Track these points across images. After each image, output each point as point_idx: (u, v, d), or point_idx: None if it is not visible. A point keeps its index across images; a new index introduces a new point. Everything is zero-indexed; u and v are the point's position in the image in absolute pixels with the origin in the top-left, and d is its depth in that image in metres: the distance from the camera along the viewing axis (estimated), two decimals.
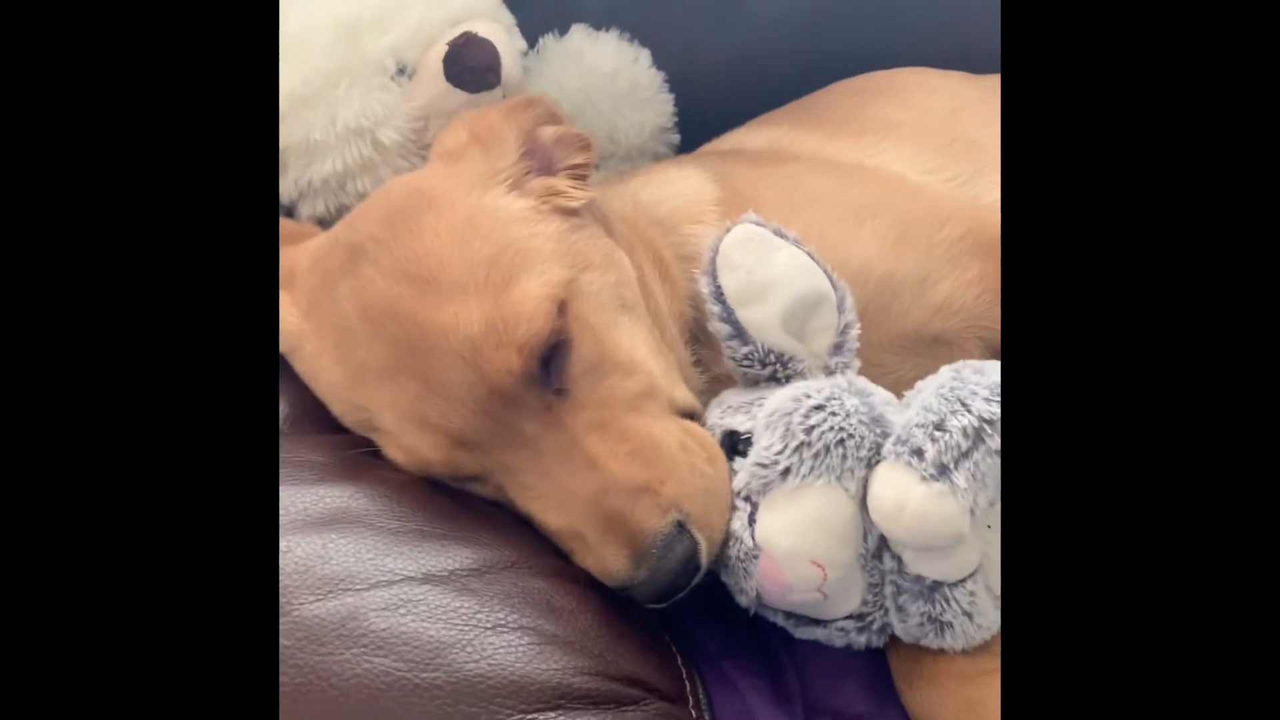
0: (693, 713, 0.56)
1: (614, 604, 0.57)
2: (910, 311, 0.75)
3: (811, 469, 0.59)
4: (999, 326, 0.75)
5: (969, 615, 0.60)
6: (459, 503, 0.60)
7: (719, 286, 0.65)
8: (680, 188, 0.80)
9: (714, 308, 0.65)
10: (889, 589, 0.61)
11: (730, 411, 0.65)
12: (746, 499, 0.60)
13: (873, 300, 0.73)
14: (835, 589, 0.60)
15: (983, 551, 0.60)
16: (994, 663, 0.62)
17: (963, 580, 0.60)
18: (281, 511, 0.54)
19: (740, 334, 0.65)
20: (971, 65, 0.99)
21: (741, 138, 0.93)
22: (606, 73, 0.95)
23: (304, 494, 0.56)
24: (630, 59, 0.98)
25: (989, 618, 0.61)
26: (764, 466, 0.60)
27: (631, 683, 0.52)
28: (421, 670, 0.48)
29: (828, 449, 0.59)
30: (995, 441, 0.57)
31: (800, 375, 0.65)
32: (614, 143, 0.96)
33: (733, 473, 0.62)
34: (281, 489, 0.56)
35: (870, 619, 0.62)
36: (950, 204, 0.80)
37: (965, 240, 0.76)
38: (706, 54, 1.03)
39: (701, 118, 1.00)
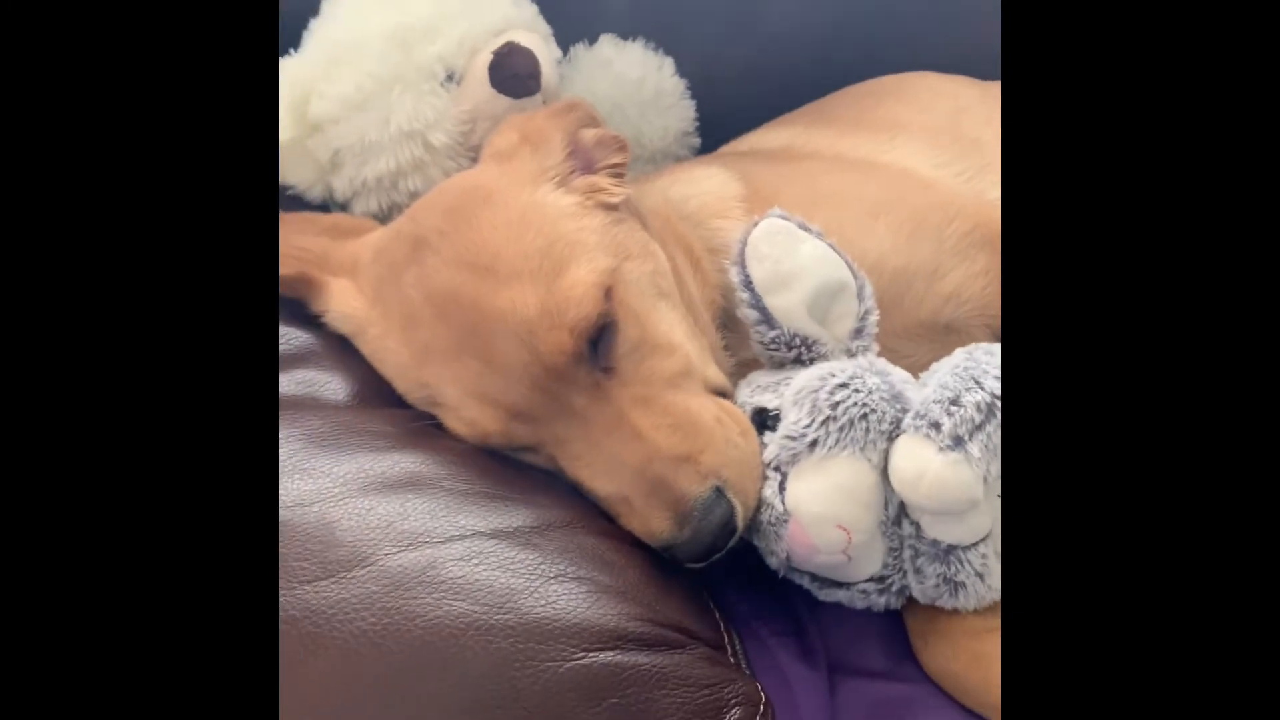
0: (731, 660, 0.61)
1: (658, 562, 0.63)
2: (923, 301, 0.80)
3: (837, 441, 0.65)
4: (993, 311, 0.81)
5: (981, 576, 0.66)
6: (517, 470, 0.66)
7: (748, 276, 0.70)
8: (706, 185, 0.86)
9: (743, 295, 0.71)
10: (907, 553, 0.67)
11: (759, 390, 0.71)
12: (777, 469, 0.66)
13: (888, 290, 0.78)
14: (858, 552, 0.66)
15: (994, 518, 0.65)
16: (997, 619, 0.68)
17: (975, 544, 0.65)
18: (362, 474, 0.60)
19: (768, 319, 0.70)
20: (974, 72, 1.05)
21: (759, 139, 0.99)
22: (633, 80, 1.01)
23: (380, 460, 0.62)
24: (655, 67, 1.03)
25: (999, 579, 0.67)
26: (793, 439, 0.65)
27: (678, 629, 0.58)
28: (495, 613, 0.53)
29: (851, 423, 0.65)
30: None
31: (823, 358, 0.71)
32: (640, 146, 1.02)
33: (763, 446, 0.67)
34: (359, 455, 0.62)
35: (890, 581, 0.68)
36: (958, 200, 0.85)
37: (973, 234, 0.82)
38: (725, 62, 1.08)
39: (721, 122, 1.06)
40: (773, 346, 0.71)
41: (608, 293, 0.65)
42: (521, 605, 0.54)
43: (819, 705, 0.68)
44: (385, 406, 0.69)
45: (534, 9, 0.96)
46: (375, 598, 0.53)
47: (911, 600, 0.70)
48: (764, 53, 1.09)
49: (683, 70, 1.06)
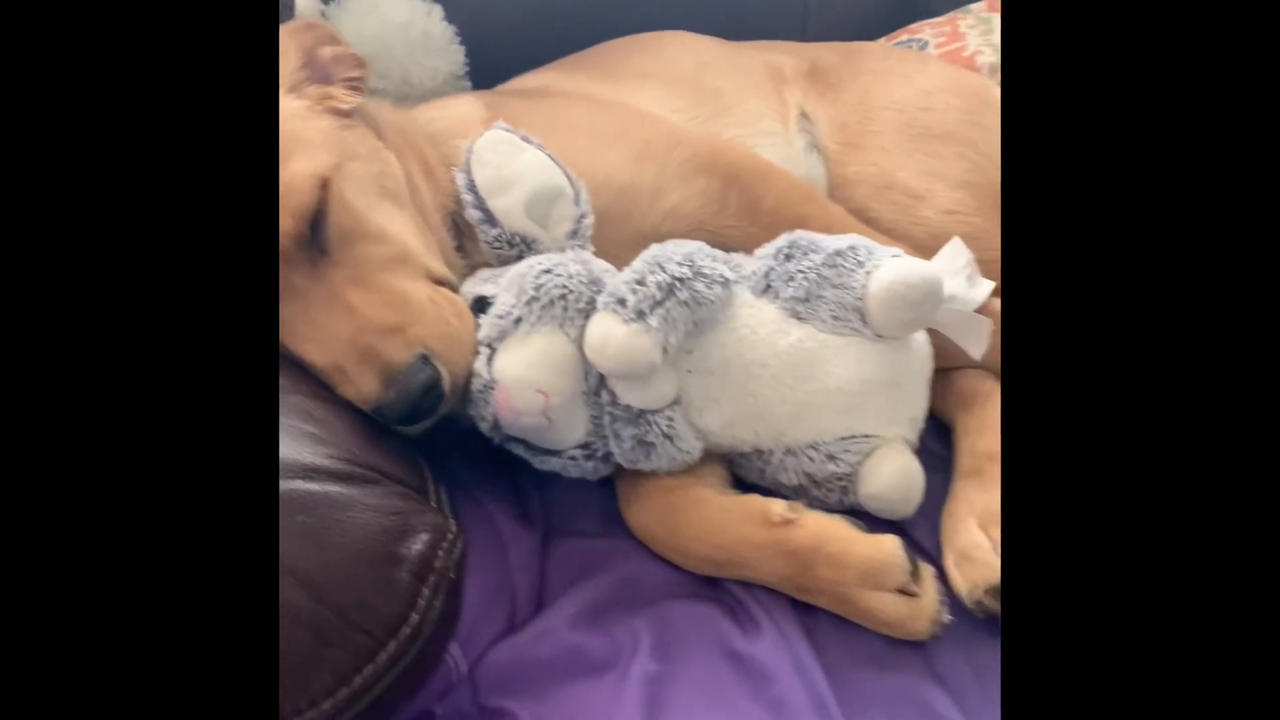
0: (432, 503, 0.68)
1: (371, 424, 0.70)
2: (646, 216, 0.89)
3: (539, 318, 0.73)
4: (717, 230, 0.90)
5: (669, 438, 0.74)
6: None
7: (472, 180, 0.78)
8: (454, 110, 0.93)
9: (468, 197, 0.78)
10: (606, 419, 0.75)
11: (480, 281, 0.79)
12: (489, 346, 0.74)
13: (614, 206, 0.87)
14: (558, 415, 0.73)
15: (678, 389, 0.74)
16: (691, 478, 0.77)
17: (663, 409, 0.74)
18: None
19: (490, 219, 0.78)
20: (729, 34, 1.16)
21: (519, 81, 1.08)
22: (400, 23, 1.08)
23: None
24: (424, 13, 1.10)
25: (688, 444, 0.76)
26: (500, 317, 0.73)
27: (376, 470, 0.65)
28: None
29: (552, 302, 0.73)
30: (684, 294, 0.72)
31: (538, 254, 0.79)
32: (409, 85, 1.08)
33: (479, 327, 0.75)
34: None
35: (595, 448, 0.76)
36: (683, 132, 0.95)
37: (694, 160, 0.91)
38: (496, 11, 1.16)
39: (493, 69, 1.13)
40: (496, 245, 0.79)
41: (325, 183, 0.72)
42: None
43: (529, 555, 0.76)
44: None
45: None
46: None
47: (620, 470, 0.78)
48: (536, 2, 1.17)
49: (453, 17, 1.13)
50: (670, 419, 0.74)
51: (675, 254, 0.75)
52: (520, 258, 0.79)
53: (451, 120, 0.92)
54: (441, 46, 1.11)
